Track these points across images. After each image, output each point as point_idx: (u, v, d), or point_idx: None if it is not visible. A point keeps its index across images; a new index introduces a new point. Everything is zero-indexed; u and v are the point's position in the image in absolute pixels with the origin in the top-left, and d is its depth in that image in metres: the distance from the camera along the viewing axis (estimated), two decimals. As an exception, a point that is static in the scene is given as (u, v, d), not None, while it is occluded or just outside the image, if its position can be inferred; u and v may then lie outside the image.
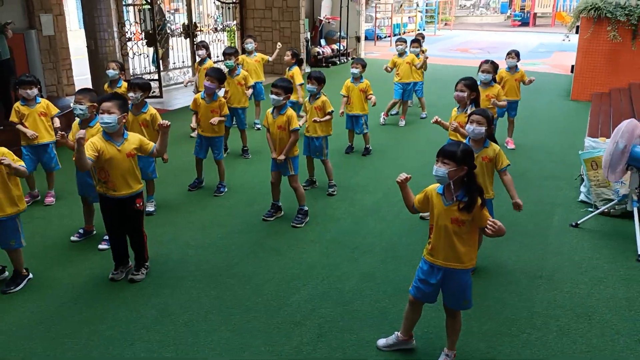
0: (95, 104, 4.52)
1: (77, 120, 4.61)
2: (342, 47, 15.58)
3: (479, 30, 27.20)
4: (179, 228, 5.00)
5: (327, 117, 5.63)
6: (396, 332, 3.38)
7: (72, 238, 4.75)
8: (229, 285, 4.07)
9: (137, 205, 3.99)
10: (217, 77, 5.54)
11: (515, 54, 7.28)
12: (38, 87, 5.40)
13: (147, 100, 5.17)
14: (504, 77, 7.30)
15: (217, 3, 13.92)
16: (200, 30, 12.36)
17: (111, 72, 6.17)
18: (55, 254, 4.54)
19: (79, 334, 3.50)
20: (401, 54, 8.56)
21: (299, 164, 5.16)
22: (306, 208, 5.17)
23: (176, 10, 21.30)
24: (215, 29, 12.92)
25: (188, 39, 11.62)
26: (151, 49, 10.79)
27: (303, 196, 5.14)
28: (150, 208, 5.32)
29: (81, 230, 4.78)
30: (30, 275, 4.12)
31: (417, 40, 8.92)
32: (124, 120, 3.86)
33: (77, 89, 6.63)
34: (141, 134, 4.96)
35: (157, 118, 4.96)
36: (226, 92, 6.85)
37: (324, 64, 14.68)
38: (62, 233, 4.88)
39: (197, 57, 7.67)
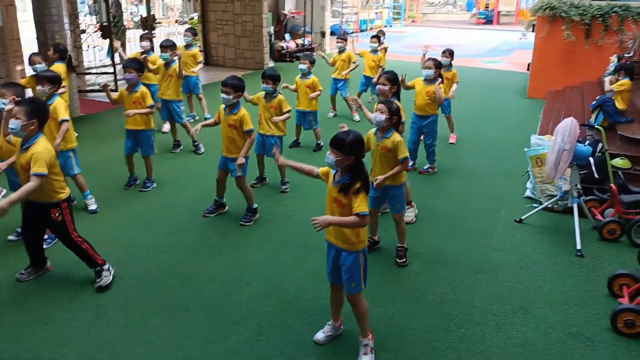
0: (19, 98, 4.37)
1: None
2: (307, 42, 15.54)
3: (445, 28, 27.51)
4: (120, 227, 4.89)
5: (286, 115, 5.57)
6: (328, 322, 3.48)
7: (10, 237, 4.61)
8: (169, 286, 4.01)
9: (53, 215, 3.78)
10: (136, 67, 5.42)
11: (449, 53, 7.40)
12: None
13: (100, 92, 4.98)
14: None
15: (180, -5, 13.72)
16: (159, 23, 12.11)
17: (38, 67, 5.92)
18: (-9, 254, 4.39)
19: (9, 336, 3.39)
20: (340, 51, 8.66)
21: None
22: (255, 206, 5.13)
23: (140, 1, 20.88)
24: (177, 21, 12.67)
25: (145, 31, 11.38)
26: (106, 42, 10.52)
27: (251, 196, 5.09)
28: (92, 206, 5.19)
29: (19, 230, 4.62)
30: None
31: (377, 37, 9.00)
32: (31, 127, 3.65)
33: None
34: (48, 128, 4.77)
35: (58, 110, 4.76)
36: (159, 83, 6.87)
37: (288, 59, 14.62)
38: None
39: (140, 49, 7.52)
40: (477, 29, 26.80)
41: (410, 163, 6.29)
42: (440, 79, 6.07)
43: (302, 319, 3.65)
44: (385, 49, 9.51)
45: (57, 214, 3.79)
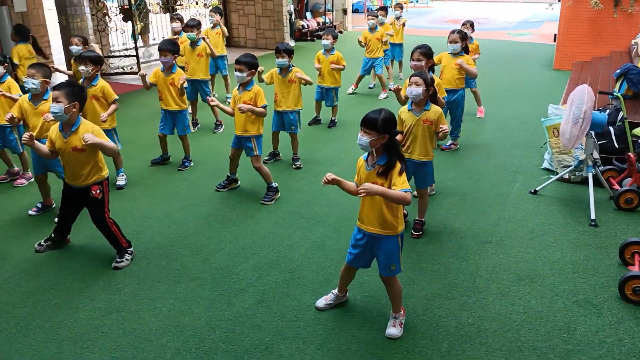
0: (48, 80, 4.53)
1: (28, 95, 4.59)
2: (328, 20, 15.42)
3: (473, 2, 26.81)
4: (136, 201, 5.03)
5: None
6: (333, 291, 3.50)
7: (30, 212, 4.80)
8: (179, 255, 4.12)
9: (93, 192, 3.84)
10: (171, 49, 5.48)
11: (470, 25, 7.25)
12: (4, 65, 5.33)
13: (124, 75, 5.11)
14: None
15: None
16: (180, 5, 12.20)
17: (74, 48, 6.12)
18: (10, 227, 4.58)
19: (24, 303, 3.56)
20: (371, 28, 8.38)
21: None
22: (275, 184, 5.10)
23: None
24: (197, 2, 12.75)
25: (168, 14, 11.51)
26: (129, 24, 10.68)
27: (268, 174, 5.02)
28: (120, 182, 5.35)
29: (39, 205, 4.82)
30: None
31: (374, 14, 8.54)
32: (73, 110, 3.72)
33: (55, 66, 6.67)
34: (92, 108, 4.97)
35: (109, 91, 4.95)
36: (186, 64, 6.82)
37: (309, 38, 14.56)
38: (19, 208, 4.92)
39: (171, 30, 7.59)
40: (507, 1, 26.03)
41: (449, 142, 6.22)
42: (464, 52, 5.96)
43: (305, 287, 3.70)
44: (404, 24, 9.34)
45: (98, 191, 3.84)
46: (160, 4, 11.82)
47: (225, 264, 3.99)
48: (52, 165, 4.59)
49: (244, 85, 4.83)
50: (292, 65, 5.64)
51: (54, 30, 9.55)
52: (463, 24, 7.29)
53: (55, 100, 3.68)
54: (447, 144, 6.29)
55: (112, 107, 5.05)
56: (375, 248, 3.13)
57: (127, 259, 4.00)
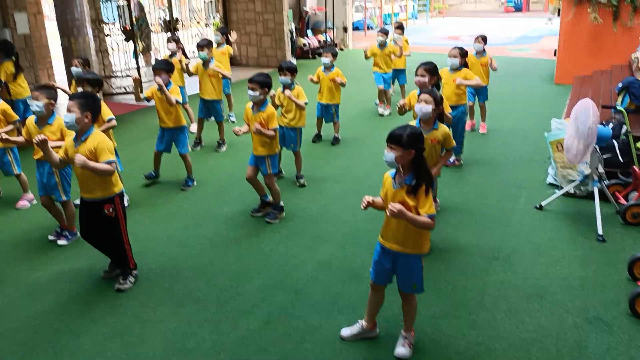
0: (53, 102, 4.50)
1: (34, 117, 4.56)
2: (329, 38, 15.53)
3: (472, 18, 27.05)
4: (138, 222, 4.99)
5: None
6: (360, 321, 3.34)
7: (50, 237, 4.68)
8: (183, 276, 4.07)
9: (106, 211, 3.78)
10: (165, 68, 5.53)
11: (482, 39, 7.28)
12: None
13: (126, 95, 5.10)
14: (471, 62, 7.28)
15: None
16: (182, 25, 12.31)
17: (75, 70, 6.15)
18: (12, 250, 4.55)
19: (26, 327, 3.51)
20: (381, 45, 8.44)
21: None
22: (282, 204, 5.06)
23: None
24: (198, 22, 12.86)
25: (169, 34, 11.59)
26: (130, 44, 10.76)
27: (278, 193, 4.97)
28: (124, 203, 5.30)
29: (58, 229, 4.70)
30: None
31: (384, 31, 8.70)
32: (85, 120, 3.69)
33: (56, 85, 6.67)
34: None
35: (104, 111, 4.90)
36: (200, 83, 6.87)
37: (310, 56, 14.65)
38: (22, 230, 4.89)
39: (167, 51, 7.66)
40: (505, 17, 26.26)
41: (453, 158, 6.20)
42: (462, 67, 5.98)
43: (311, 308, 3.65)
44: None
45: (110, 209, 3.78)
46: (162, 24, 11.91)
47: (230, 285, 3.95)
48: (50, 189, 4.56)
49: (258, 105, 4.75)
50: (295, 83, 5.66)
51: (57, 51, 9.60)
52: (475, 39, 7.35)
53: (68, 110, 3.68)
54: (451, 160, 6.27)
55: (106, 124, 4.93)
56: (398, 265, 3.06)
57: (130, 281, 3.95)
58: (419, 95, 4.03)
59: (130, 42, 10.41)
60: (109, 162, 3.65)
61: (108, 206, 3.78)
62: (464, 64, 6.07)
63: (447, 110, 4.65)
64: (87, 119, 3.71)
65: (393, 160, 2.89)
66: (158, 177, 6.00)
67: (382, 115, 8.65)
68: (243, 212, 5.18)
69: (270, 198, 5.06)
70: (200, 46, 6.91)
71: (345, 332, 3.35)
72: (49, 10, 14.67)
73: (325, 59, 6.88)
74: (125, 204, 5.24)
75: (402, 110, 4.77)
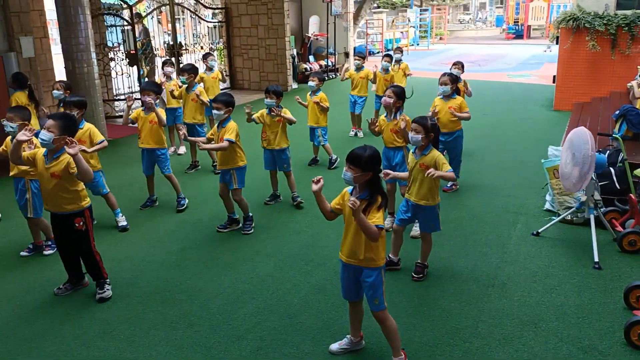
0: (26, 122, 4.54)
1: (9, 137, 4.63)
2: (330, 63, 15.72)
3: (473, 44, 27.36)
4: (134, 245, 5.00)
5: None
6: (348, 335, 3.43)
7: (22, 253, 4.81)
8: (177, 300, 4.07)
9: (77, 225, 3.93)
10: (154, 89, 5.66)
11: (460, 65, 7.37)
12: None
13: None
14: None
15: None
16: (186, 50, 12.50)
17: (56, 93, 6.24)
18: (6, 271, 4.56)
19: (19, 350, 3.50)
20: (358, 68, 8.77)
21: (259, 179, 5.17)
22: (251, 214, 5.30)
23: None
24: (202, 47, 13.05)
25: (173, 59, 11.76)
26: (134, 69, 10.92)
27: (247, 206, 5.25)
28: (122, 223, 5.36)
29: (30, 245, 4.84)
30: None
31: (388, 55, 9.10)
32: (62, 142, 3.78)
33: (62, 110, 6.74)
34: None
35: (94, 133, 5.04)
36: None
37: (311, 80, 14.81)
38: (16, 250, 4.90)
39: (163, 75, 7.80)
40: (506, 43, 26.54)
41: (450, 183, 6.24)
42: (455, 94, 6.05)
43: (304, 333, 3.63)
44: (405, 73, 9.47)
45: (81, 223, 3.94)
46: (166, 48, 12.09)
47: (224, 309, 3.94)
48: (21, 206, 4.68)
49: (222, 122, 5.04)
50: (281, 107, 5.74)
51: (61, 75, 9.73)
52: (454, 64, 7.45)
53: (47, 128, 3.80)
54: (448, 185, 6.28)
55: (98, 146, 5.04)
56: (360, 280, 3.16)
57: (107, 289, 4.10)
58: (394, 119, 4.17)
59: (134, 65, 10.56)
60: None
61: (79, 220, 3.94)
62: (456, 90, 6.12)
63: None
64: (63, 141, 3.82)
65: (351, 179, 3.02)
66: (155, 202, 6.03)
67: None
68: (239, 236, 5.19)
69: (237, 216, 5.32)
70: (183, 70, 7.02)
71: (334, 346, 3.42)
72: (55, 34, 14.92)
73: (312, 82, 7.01)
74: (125, 223, 5.32)
75: (375, 131, 5.01)
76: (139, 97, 5.85)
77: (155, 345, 3.54)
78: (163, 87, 7.39)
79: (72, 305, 4.03)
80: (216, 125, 5.11)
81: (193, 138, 5.28)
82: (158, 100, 5.86)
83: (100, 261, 4.10)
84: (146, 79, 12.33)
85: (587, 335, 3.56)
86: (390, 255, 4.40)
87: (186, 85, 7.02)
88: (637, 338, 3.38)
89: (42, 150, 3.98)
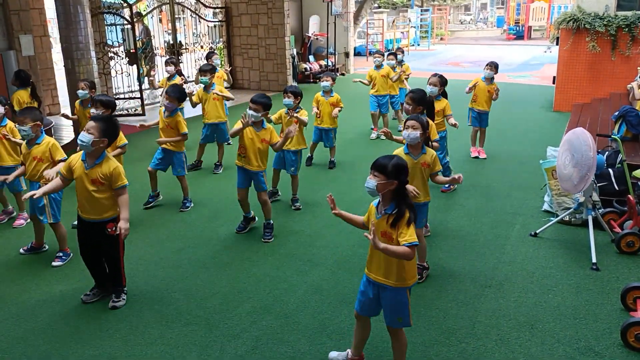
0: (38, 123, 4.52)
1: (24, 140, 4.60)
2: (330, 63, 15.71)
3: (474, 45, 27.33)
4: (132, 244, 4.98)
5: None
6: (348, 350, 3.31)
7: (21, 250, 4.82)
8: (173, 299, 4.06)
9: (108, 230, 3.79)
10: (176, 96, 5.62)
11: (494, 66, 7.31)
12: (5, 107, 5.40)
13: (128, 117, 5.19)
14: (479, 86, 7.36)
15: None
16: (186, 49, 12.49)
17: (81, 92, 6.24)
18: (4, 270, 4.55)
19: (14, 349, 3.50)
20: (378, 66, 8.64)
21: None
22: (272, 222, 5.15)
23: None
24: (202, 47, 13.04)
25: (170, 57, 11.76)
26: (134, 68, 10.92)
27: (270, 210, 5.11)
28: None
29: (30, 245, 4.82)
30: None
31: (394, 54, 9.11)
32: (101, 145, 3.70)
33: (61, 109, 6.74)
34: None
35: (119, 137, 4.99)
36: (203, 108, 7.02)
37: (311, 80, 14.80)
38: (15, 251, 4.89)
39: (166, 73, 7.80)
40: (507, 44, 26.52)
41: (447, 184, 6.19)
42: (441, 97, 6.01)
43: (300, 333, 3.62)
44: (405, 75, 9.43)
45: (113, 228, 3.79)
46: (166, 47, 12.09)
47: (220, 308, 3.93)
48: (37, 209, 4.57)
49: (258, 125, 4.88)
50: (300, 108, 5.72)
51: (61, 73, 9.74)
52: (487, 65, 7.38)
53: (87, 130, 3.69)
54: (446, 186, 6.27)
55: (119, 150, 5.04)
56: (382, 297, 3.01)
57: (123, 298, 3.99)
58: (405, 122, 4.09)
59: (134, 64, 10.56)
60: (124, 187, 3.77)
61: (111, 225, 3.81)
62: (443, 93, 6.09)
63: (434, 137, 4.70)
64: (103, 144, 3.74)
65: (374, 187, 2.87)
66: (158, 196, 6.02)
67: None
68: (237, 235, 5.18)
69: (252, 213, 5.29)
70: (203, 71, 7.03)
71: (333, 354, 3.34)
72: (55, 32, 14.93)
73: (325, 83, 6.97)
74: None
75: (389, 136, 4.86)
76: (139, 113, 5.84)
77: (151, 343, 3.53)
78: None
79: (67, 304, 4.02)
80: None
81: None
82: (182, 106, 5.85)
83: (123, 268, 3.99)
84: (146, 78, 12.37)
85: (584, 337, 3.55)
86: None
87: (206, 85, 7.01)
88: (634, 339, 3.37)
89: (78, 155, 3.85)
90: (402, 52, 10.10)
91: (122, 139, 5.09)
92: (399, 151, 4.22)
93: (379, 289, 3.00)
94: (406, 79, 9.19)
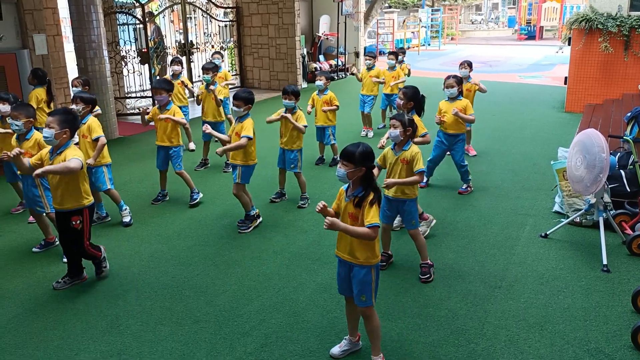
0: (31, 119, 4.65)
1: (15, 135, 4.70)
2: (340, 63, 15.71)
3: (485, 45, 27.21)
4: (144, 241, 5.05)
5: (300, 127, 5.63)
6: (345, 337, 3.43)
7: (34, 249, 4.88)
8: (184, 296, 4.10)
9: (74, 222, 3.98)
10: (166, 88, 5.73)
11: (467, 64, 7.29)
12: (12, 105, 5.46)
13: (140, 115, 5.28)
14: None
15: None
16: (197, 48, 12.56)
17: (74, 90, 6.32)
18: (17, 265, 4.62)
19: (27, 344, 3.54)
20: (391, 67, 8.82)
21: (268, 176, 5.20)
22: (252, 212, 5.30)
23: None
24: (213, 46, 13.11)
25: (184, 57, 11.82)
26: (145, 67, 11.00)
27: (247, 204, 5.27)
28: (126, 218, 5.41)
29: (42, 242, 4.89)
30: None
31: (394, 53, 9.17)
32: (63, 136, 3.91)
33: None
34: (82, 145, 5.07)
35: (94, 128, 5.04)
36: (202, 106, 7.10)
37: (321, 80, 14.81)
38: (28, 246, 4.97)
39: (171, 72, 7.89)
40: (518, 44, 26.37)
41: (424, 180, 6.19)
42: (461, 97, 6.03)
43: (309, 331, 3.64)
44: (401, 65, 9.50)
45: (77, 222, 3.99)
46: (177, 47, 12.16)
47: (230, 306, 3.96)
48: (31, 202, 4.71)
49: (240, 119, 5.12)
50: (298, 108, 5.75)
51: (74, 72, 9.83)
52: (461, 64, 7.36)
53: (47, 125, 3.88)
54: (463, 187, 6.23)
55: (99, 143, 5.06)
56: (350, 276, 3.18)
57: (105, 266, 4.29)
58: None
59: (146, 64, 10.63)
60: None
61: (76, 218, 3.99)
62: (461, 92, 6.07)
63: (421, 131, 4.78)
64: (65, 134, 3.92)
65: (345, 175, 3.06)
66: (166, 196, 6.08)
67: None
68: (246, 234, 5.21)
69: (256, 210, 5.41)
70: (206, 69, 7.08)
71: (335, 349, 3.40)
72: (67, 31, 15.04)
73: (319, 82, 7.02)
74: (128, 219, 5.36)
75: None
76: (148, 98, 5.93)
77: (161, 340, 3.56)
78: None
79: (79, 300, 4.07)
80: (234, 122, 5.21)
81: (218, 134, 5.38)
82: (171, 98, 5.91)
83: (91, 250, 4.19)
84: (157, 77, 12.43)
85: (593, 338, 3.53)
86: (383, 251, 4.43)
87: (208, 82, 7.07)
88: (645, 342, 3.35)
89: (48, 147, 4.05)
90: (404, 52, 10.22)
91: (95, 132, 5.05)
92: (387, 148, 4.35)
93: (348, 268, 3.18)
94: (403, 81, 9.15)
